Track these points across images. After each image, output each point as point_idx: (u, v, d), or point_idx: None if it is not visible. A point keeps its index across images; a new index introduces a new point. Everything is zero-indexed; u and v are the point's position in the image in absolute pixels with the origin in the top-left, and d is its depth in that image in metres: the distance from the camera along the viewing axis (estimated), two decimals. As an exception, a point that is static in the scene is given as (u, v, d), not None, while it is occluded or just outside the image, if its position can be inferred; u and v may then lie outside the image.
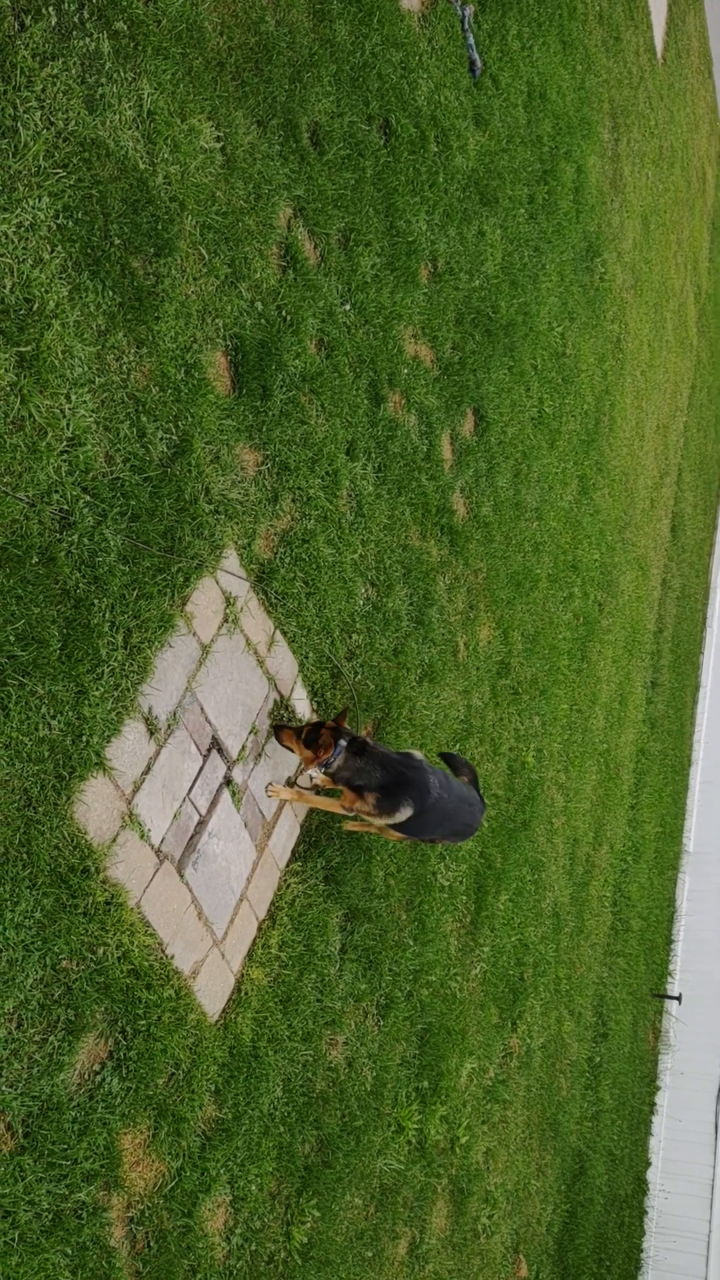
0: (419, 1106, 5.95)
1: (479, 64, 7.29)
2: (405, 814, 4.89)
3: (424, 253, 6.45)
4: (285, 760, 4.97)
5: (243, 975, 4.59)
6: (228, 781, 4.54)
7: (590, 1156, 9.05)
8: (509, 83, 7.95)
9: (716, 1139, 11.39)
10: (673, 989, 12.16)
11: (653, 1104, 11.45)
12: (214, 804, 4.45)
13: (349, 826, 5.38)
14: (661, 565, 12.91)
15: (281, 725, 4.83)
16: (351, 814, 5.02)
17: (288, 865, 5.00)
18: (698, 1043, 11.88)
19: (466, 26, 7.11)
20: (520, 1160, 7.47)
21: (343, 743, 4.71)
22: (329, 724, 4.74)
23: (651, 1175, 11.17)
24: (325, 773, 4.78)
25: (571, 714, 9.11)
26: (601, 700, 10.04)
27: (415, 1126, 5.85)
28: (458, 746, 6.75)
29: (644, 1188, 11.01)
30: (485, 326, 7.37)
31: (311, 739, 4.71)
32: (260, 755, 4.78)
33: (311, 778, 4.97)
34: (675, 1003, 12.04)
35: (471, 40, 7.17)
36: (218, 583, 4.43)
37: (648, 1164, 11.16)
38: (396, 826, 4.99)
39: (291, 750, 4.81)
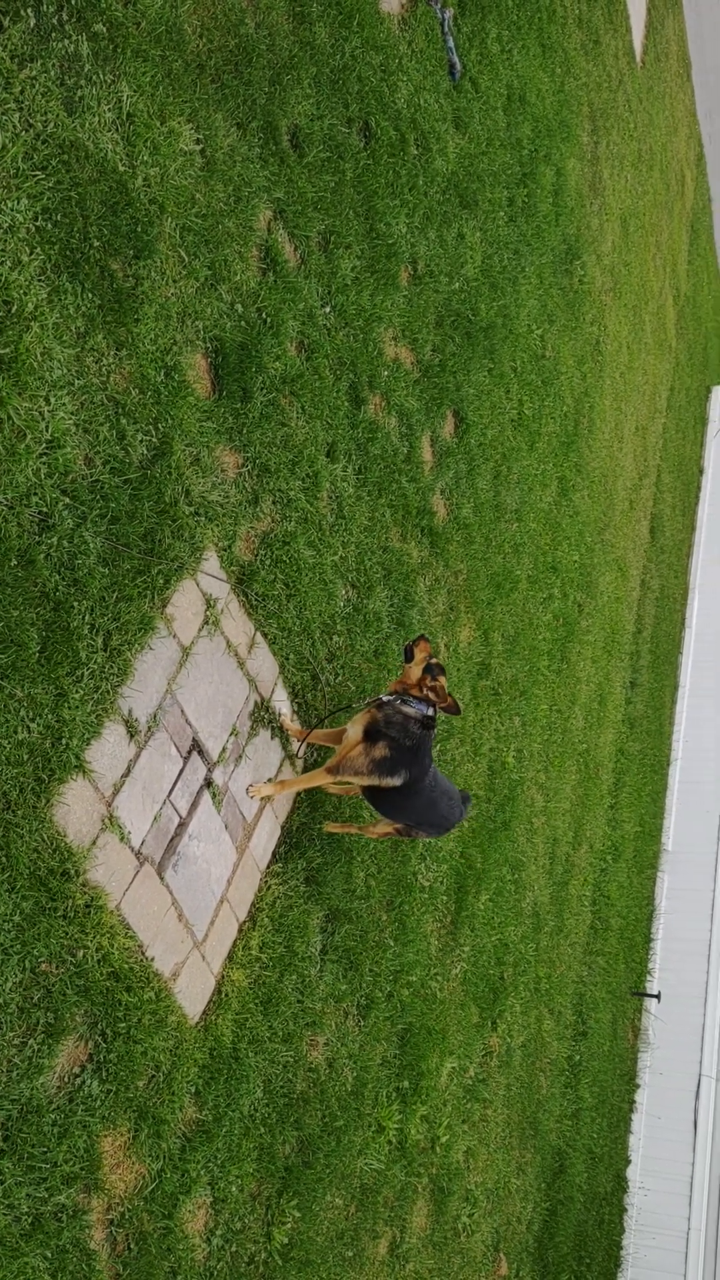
0: (399, 1106, 5.96)
1: (459, 67, 7.32)
2: (398, 781, 4.89)
3: (404, 255, 6.47)
4: (266, 761, 4.98)
5: (223, 977, 4.59)
6: (208, 783, 4.54)
7: (570, 1154, 9.09)
8: (489, 86, 7.98)
9: (696, 1136, 11.46)
10: (652, 987, 12.22)
11: (632, 1102, 11.51)
12: (194, 806, 4.45)
13: (330, 827, 5.39)
14: (640, 566, 12.98)
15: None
16: (337, 774, 4.91)
17: (268, 867, 5.01)
18: (677, 1040, 11.95)
19: (446, 29, 7.14)
20: (500, 1159, 7.50)
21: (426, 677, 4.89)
22: (434, 660, 4.94)
23: (631, 1173, 11.22)
24: (381, 701, 4.87)
25: (551, 714, 9.15)
26: (581, 700, 10.09)
27: (396, 1126, 5.87)
28: (438, 748, 6.78)
29: (624, 1185, 11.07)
30: (465, 329, 7.40)
31: (409, 653, 4.95)
32: (241, 757, 4.79)
33: (283, 714, 5.07)
34: (654, 1001, 12.11)
35: (451, 43, 7.20)
36: (198, 585, 4.43)
37: (627, 1161, 11.22)
38: (381, 791, 4.95)
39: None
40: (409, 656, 4.97)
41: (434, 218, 6.94)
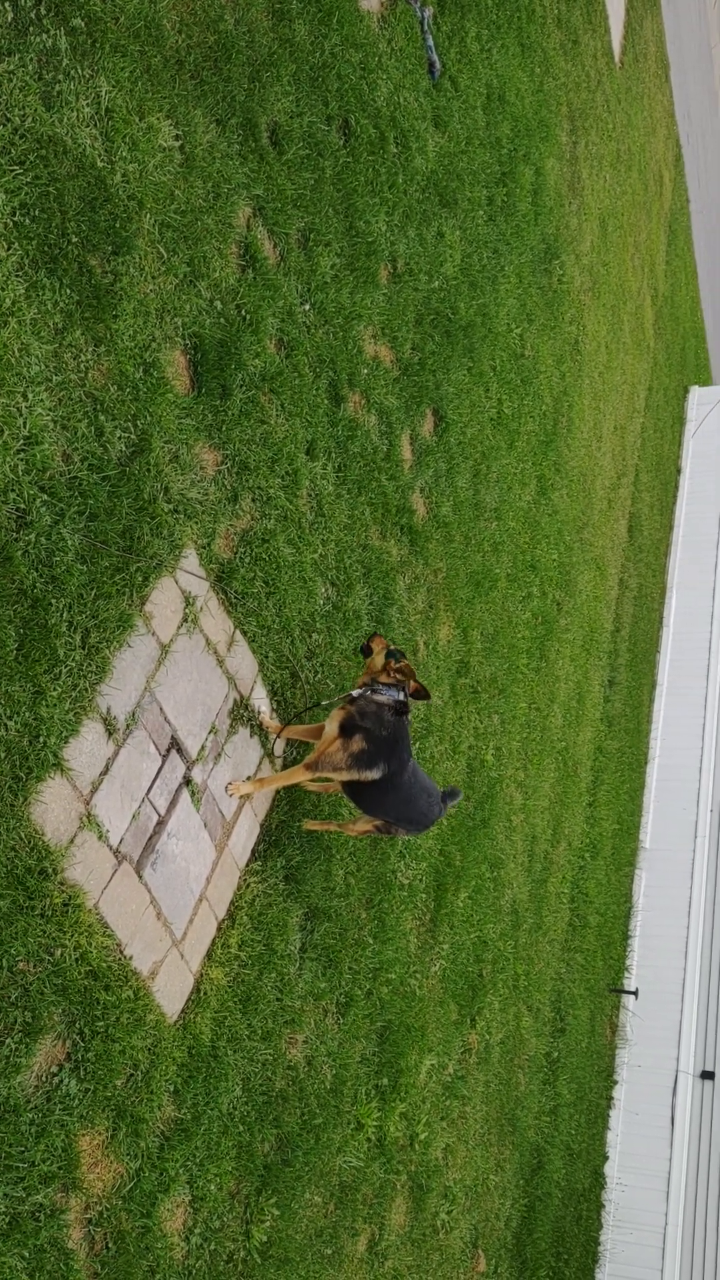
0: (378, 1104, 5.97)
1: (438, 66, 7.32)
2: (376, 774, 4.88)
3: (383, 253, 6.47)
4: (245, 759, 4.97)
5: (202, 975, 4.58)
6: (187, 781, 4.53)
7: (548, 1151, 9.13)
8: (468, 85, 7.99)
9: (673, 1132, 11.53)
10: (629, 984, 12.29)
11: (610, 1098, 11.57)
12: (173, 804, 4.44)
13: (309, 825, 5.39)
14: (619, 565, 13.04)
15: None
16: (315, 771, 4.91)
17: (247, 865, 5.00)
18: (654, 1037, 12.02)
19: (426, 28, 7.15)
20: (479, 1156, 7.53)
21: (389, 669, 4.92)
22: (392, 648, 4.96)
23: (609, 1169, 11.28)
24: (352, 696, 4.87)
25: (530, 712, 9.18)
26: (560, 699, 10.13)
27: (375, 1124, 5.88)
28: (418, 745, 6.78)
29: (601, 1181, 11.12)
30: (444, 327, 7.41)
31: (366, 649, 5.00)
32: (220, 755, 4.78)
33: (262, 711, 5.09)
34: (632, 997, 12.17)
35: (431, 42, 7.20)
36: (177, 582, 4.42)
37: (605, 1158, 11.28)
38: (361, 786, 4.95)
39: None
40: (367, 653, 5.03)
41: (413, 216, 6.95)
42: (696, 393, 18.82)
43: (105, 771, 4.00)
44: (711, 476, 17.26)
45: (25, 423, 3.60)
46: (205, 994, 4.56)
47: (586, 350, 11.50)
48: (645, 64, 15.81)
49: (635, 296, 14.59)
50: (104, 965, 3.93)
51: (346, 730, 4.82)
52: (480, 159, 8.26)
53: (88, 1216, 3.81)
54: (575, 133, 11.21)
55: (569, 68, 10.96)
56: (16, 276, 3.60)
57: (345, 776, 4.89)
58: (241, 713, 4.94)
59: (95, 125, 4.00)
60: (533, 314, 9.54)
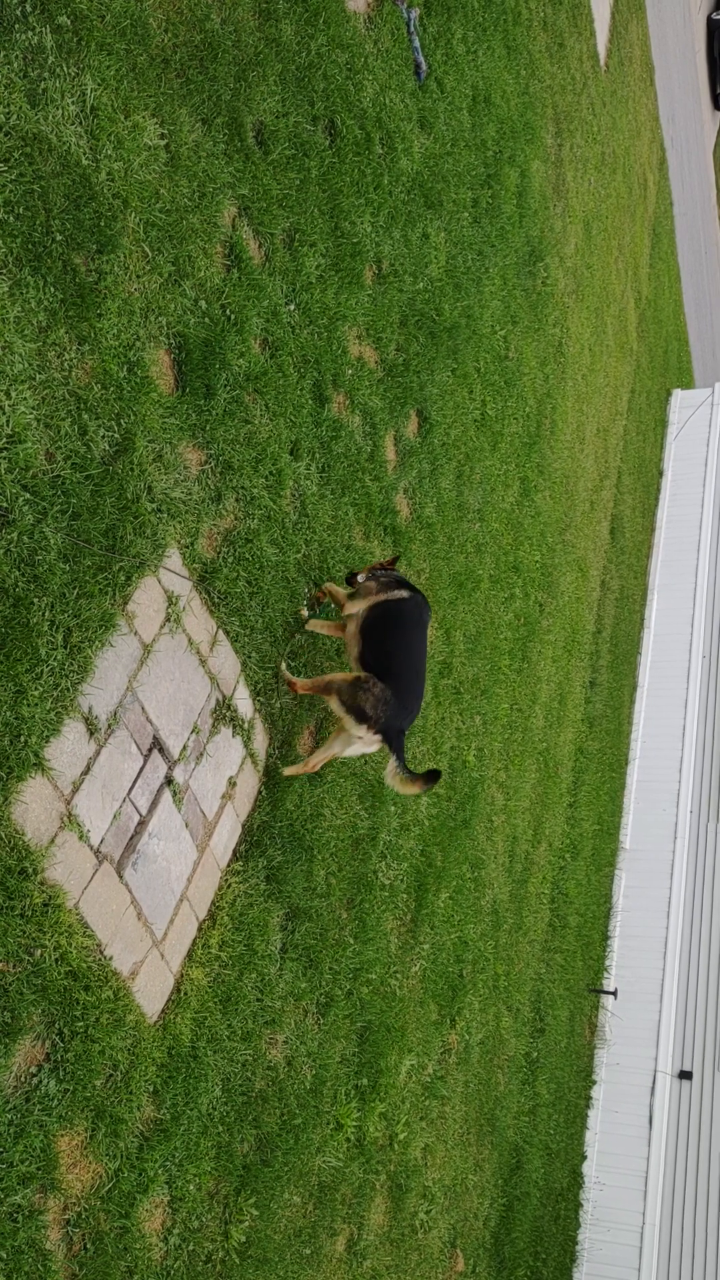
0: (358, 1104, 5.98)
1: (424, 67, 7.33)
2: (405, 592, 5.39)
3: (369, 254, 6.47)
4: (227, 760, 4.97)
5: (182, 976, 4.58)
6: (169, 781, 4.53)
7: (527, 1151, 9.16)
8: (454, 86, 8.01)
9: (651, 1132, 11.59)
10: (609, 984, 12.35)
11: (589, 1098, 11.62)
12: (154, 804, 4.43)
13: (314, 689, 5.35)
14: (601, 567, 13.09)
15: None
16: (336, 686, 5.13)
17: (229, 865, 5.00)
18: (633, 1037, 12.08)
19: (412, 29, 7.16)
20: (458, 1155, 7.54)
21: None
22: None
23: (587, 1168, 11.33)
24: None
25: (512, 713, 9.21)
26: (541, 699, 10.16)
27: (354, 1124, 5.88)
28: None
29: (579, 1181, 11.17)
30: (429, 329, 7.42)
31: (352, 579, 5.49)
32: (202, 755, 4.78)
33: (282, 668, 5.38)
34: (611, 998, 12.23)
35: (417, 43, 7.21)
36: (160, 582, 4.41)
37: (583, 1157, 11.33)
38: (375, 618, 5.29)
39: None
40: (353, 581, 5.45)
41: (399, 217, 6.95)
42: (679, 396, 18.91)
43: (86, 771, 3.99)
44: (693, 480, 17.36)
45: (8, 421, 3.59)
46: (185, 994, 4.56)
47: (570, 352, 11.54)
48: (630, 68, 15.88)
49: (619, 299, 14.65)
50: (84, 965, 3.92)
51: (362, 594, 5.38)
52: (465, 161, 8.27)
53: (66, 1217, 3.81)
54: (560, 135, 11.24)
55: (554, 70, 11.00)
56: (0, 274, 3.59)
57: (370, 602, 5.31)
58: (224, 713, 4.94)
59: (80, 123, 3.99)
60: (517, 316, 9.56)
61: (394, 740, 5.07)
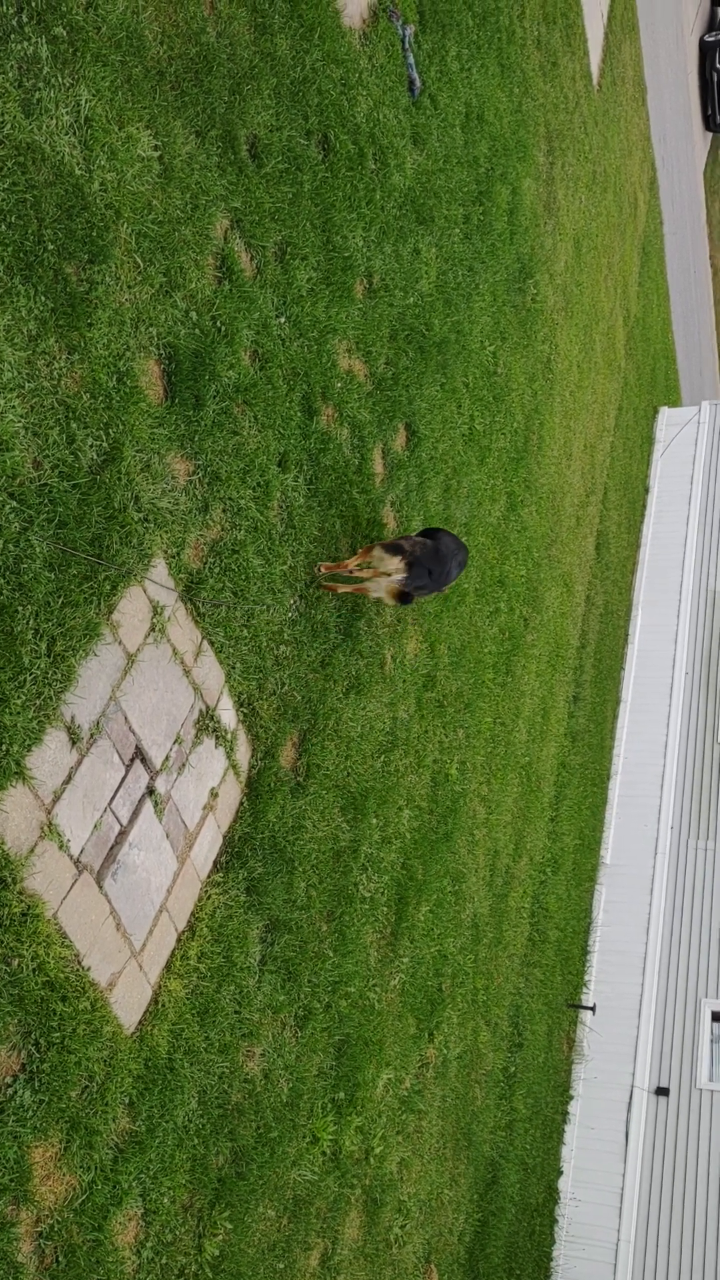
0: (335, 1117, 5.96)
1: (418, 83, 7.38)
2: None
3: (360, 268, 6.50)
4: (209, 770, 4.96)
5: (160, 987, 4.56)
6: (150, 792, 4.52)
7: (503, 1165, 9.14)
8: (447, 103, 8.06)
9: (627, 1147, 11.58)
10: (587, 999, 12.34)
11: (566, 1113, 11.60)
12: (135, 814, 4.42)
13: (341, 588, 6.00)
14: (585, 582, 13.14)
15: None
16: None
17: (209, 876, 4.99)
18: (611, 1052, 12.07)
19: (407, 46, 7.20)
20: (434, 1170, 7.53)
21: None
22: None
23: (563, 1184, 11.31)
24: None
25: (495, 727, 9.22)
26: (525, 714, 10.18)
27: (330, 1137, 5.87)
28: (382, 759, 6.79)
29: (555, 1196, 11.15)
30: (419, 343, 7.45)
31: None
32: (184, 765, 4.77)
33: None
34: (590, 1013, 12.23)
35: (411, 60, 7.26)
36: (145, 592, 4.41)
37: (559, 1172, 11.30)
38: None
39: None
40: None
41: (390, 232, 6.99)
42: (666, 414, 19.01)
43: (68, 781, 3.98)
44: (679, 497, 17.45)
45: (-4, 429, 3.58)
46: (163, 1006, 4.54)
47: (558, 369, 11.60)
48: (623, 87, 16.00)
49: (607, 317, 14.73)
50: (61, 976, 3.90)
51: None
52: (458, 177, 8.32)
53: (39, 1229, 3.78)
54: (552, 153, 11.32)
55: (548, 89, 11.08)
56: (-9, 282, 3.59)
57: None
58: (207, 723, 4.93)
59: (74, 133, 4.00)
60: (506, 332, 9.61)
61: (415, 570, 5.76)
